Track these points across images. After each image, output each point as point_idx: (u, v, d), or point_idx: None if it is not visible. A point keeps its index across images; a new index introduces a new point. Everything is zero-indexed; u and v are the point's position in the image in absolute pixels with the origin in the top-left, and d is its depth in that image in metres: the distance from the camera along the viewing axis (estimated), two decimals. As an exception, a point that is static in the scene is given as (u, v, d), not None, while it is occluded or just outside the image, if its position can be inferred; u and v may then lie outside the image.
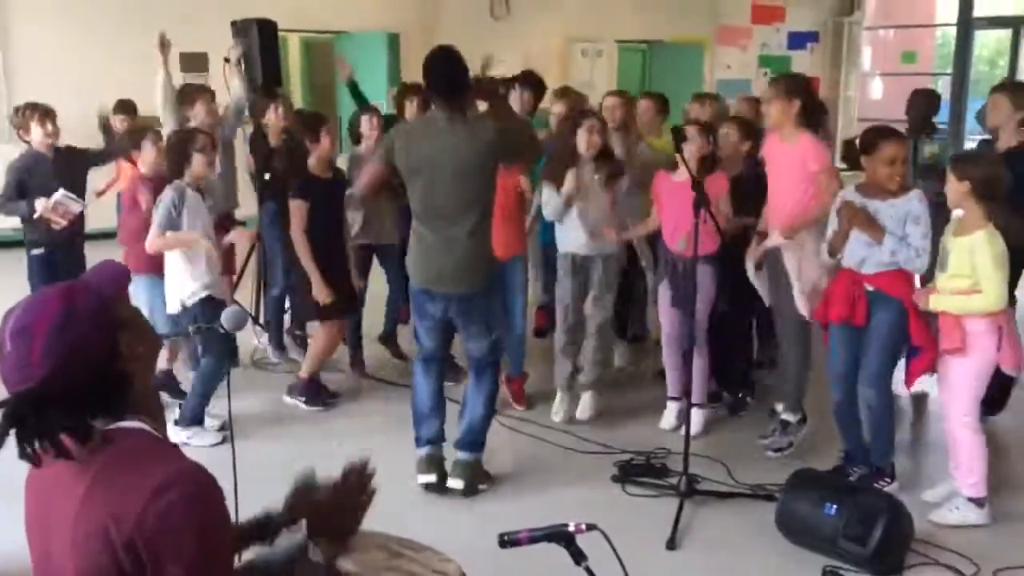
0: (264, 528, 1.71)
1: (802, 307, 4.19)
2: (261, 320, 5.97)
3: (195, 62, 9.79)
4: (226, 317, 1.66)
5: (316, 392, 5.07)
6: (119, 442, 1.38)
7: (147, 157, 4.97)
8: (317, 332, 5.10)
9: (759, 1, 15.01)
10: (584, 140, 4.49)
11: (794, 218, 4.12)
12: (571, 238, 4.61)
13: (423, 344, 3.98)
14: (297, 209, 4.75)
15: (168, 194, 4.39)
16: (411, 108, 5.40)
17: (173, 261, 4.44)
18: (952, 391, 3.69)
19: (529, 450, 4.49)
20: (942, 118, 14.48)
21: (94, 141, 6.30)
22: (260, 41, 5.44)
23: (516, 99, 5.04)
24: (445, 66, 3.69)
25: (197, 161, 4.45)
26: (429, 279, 3.80)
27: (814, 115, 4.39)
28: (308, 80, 11.85)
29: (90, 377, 1.37)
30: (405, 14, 11.42)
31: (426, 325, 3.93)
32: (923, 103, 5.91)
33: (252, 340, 5.78)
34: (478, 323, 3.87)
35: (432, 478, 3.91)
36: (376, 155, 3.84)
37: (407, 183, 3.79)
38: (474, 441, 3.98)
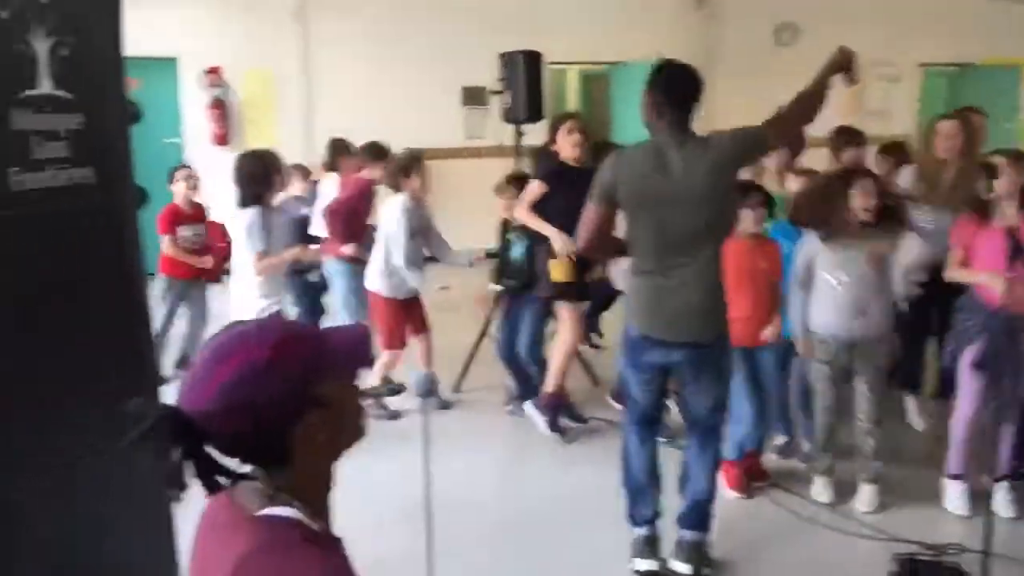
0: None
1: None
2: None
3: (475, 96, 10.15)
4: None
5: (556, 414, 4.84)
6: (268, 531, 1.23)
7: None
8: (561, 326, 4.90)
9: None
10: (859, 202, 3.91)
11: None
12: (826, 316, 3.99)
13: (637, 401, 3.47)
14: (536, 186, 4.79)
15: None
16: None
17: None
18: None
19: (773, 527, 3.89)
20: None
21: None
22: (526, 73, 5.45)
23: None
24: (683, 80, 3.28)
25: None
26: (660, 326, 3.30)
27: None
28: (586, 110, 11.93)
29: (250, 432, 1.24)
30: (684, 43, 11.10)
31: (643, 377, 3.41)
32: None
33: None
34: (709, 375, 3.36)
35: (654, 565, 3.45)
36: (593, 196, 3.35)
37: (630, 219, 3.31)
38: (702, 519, 3.49)
